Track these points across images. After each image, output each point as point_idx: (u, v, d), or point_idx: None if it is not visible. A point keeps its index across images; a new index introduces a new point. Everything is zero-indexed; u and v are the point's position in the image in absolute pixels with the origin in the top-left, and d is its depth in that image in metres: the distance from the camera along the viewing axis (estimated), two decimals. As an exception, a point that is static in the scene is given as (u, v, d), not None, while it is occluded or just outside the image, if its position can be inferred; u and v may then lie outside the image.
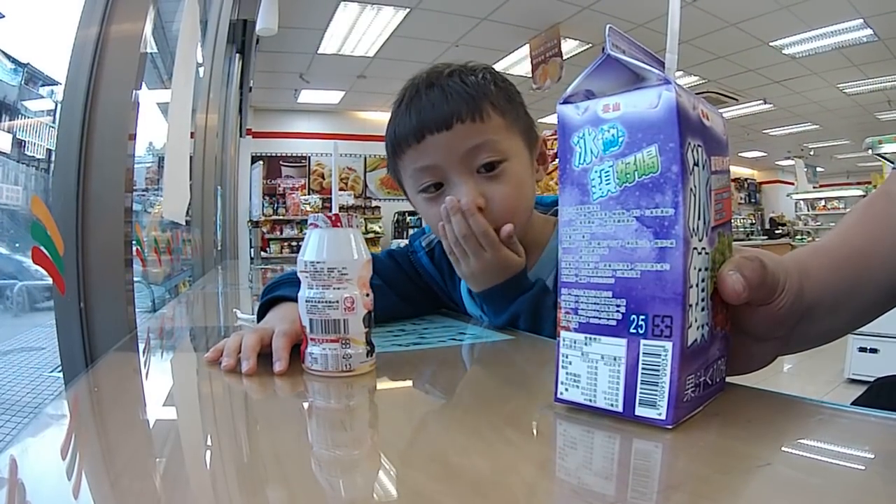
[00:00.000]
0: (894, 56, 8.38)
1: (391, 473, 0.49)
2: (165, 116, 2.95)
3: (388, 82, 10.20)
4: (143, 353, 1.15)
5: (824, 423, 0.60)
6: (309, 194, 11.47)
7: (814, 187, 15.61)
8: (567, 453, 0.53)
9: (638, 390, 0.52)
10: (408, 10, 7.24)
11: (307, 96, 10.93)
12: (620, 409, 0.53)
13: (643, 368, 0.51)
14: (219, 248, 5.09)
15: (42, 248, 1.23)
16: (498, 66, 9.10)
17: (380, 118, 11.91)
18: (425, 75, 1.13)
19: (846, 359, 4.68)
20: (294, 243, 11.08)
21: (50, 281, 1.28)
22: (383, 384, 0.80)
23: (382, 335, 1.08)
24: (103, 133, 1.39)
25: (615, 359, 0.53)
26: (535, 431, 0.60)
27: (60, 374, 1.38)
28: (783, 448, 0.53)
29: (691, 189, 0.50)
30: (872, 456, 0.51)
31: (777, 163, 17.06)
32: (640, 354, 0.51)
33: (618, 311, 0.52)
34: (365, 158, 12.36)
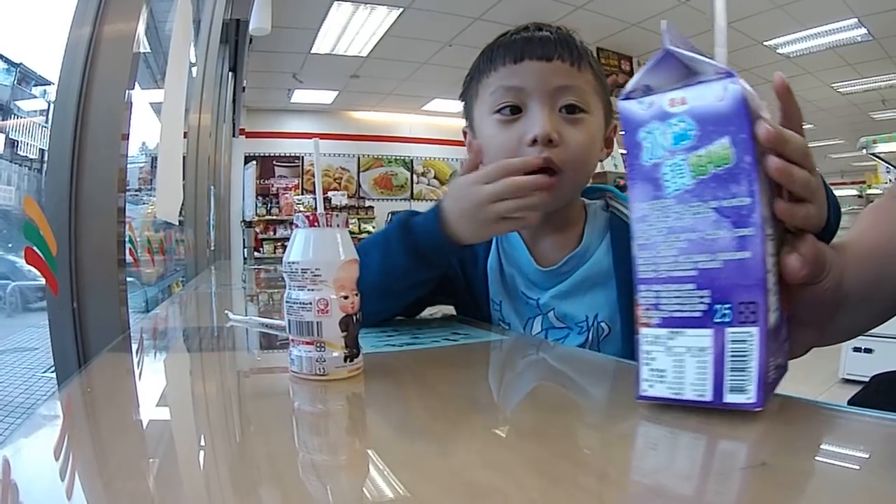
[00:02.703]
0: (888, 55, 8.41)
1: (344, 484, 0.49)
2: (158, 116, 2.94)
3: (382, 82, 10.21)
4: (137, 353, 1.15)
5: (819, 423, 0.60)
6: (302, 194, 11.46)
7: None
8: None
9: (726, 378, 0.52)
10: (401, 9, 7.25)
11: (300, 96, 10.93)
12: (710, 398, 0.53)
13: (731, 356, 0.52)
14: (212, 248, 5.07)
15: (35, 248, 1.22)
16: (492, 66, 9.15)
17: (373, 118, 11.95)
18: (532, 24, 1.18)
19: (841, 359, 4.69)
20: (287, 243, 11.05)
21: (43, 281, 1.28)
22: (360, 390, 0.78)
23: (375, 335, 1.08)
24: (96, 133, 1.39)
25: (702, 349, 0.53)
26: (533, 432, 0.60)
27: (53, 375, 1.38)
28: (778, 448, 0.53)
29: (761, 178, 0.52)
30: (868, 456, 0.51)
31: (771, 162, 17.07)
32: (727, 342, 0.52)
33: (702, 303, 0.53)
34: (358, 158, 12.36)
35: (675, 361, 0.54)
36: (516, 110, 1.09)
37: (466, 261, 1.23)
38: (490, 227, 0.96)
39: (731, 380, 0.52)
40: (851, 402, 0.84)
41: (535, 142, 1.04)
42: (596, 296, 1.14)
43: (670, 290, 0.54)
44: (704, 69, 0.54)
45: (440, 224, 0.98)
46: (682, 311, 0.54)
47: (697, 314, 0.53)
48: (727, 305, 0.52)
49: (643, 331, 0.56)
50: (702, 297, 0.53)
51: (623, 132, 0.58)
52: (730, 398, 0.52)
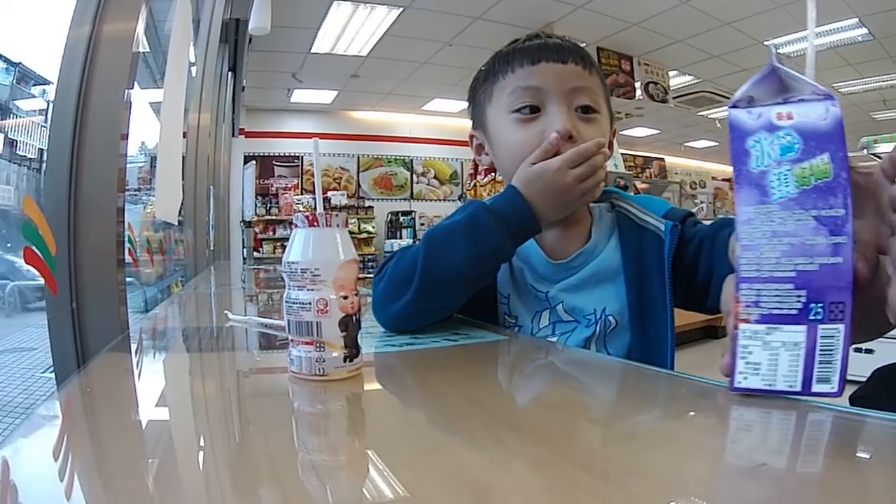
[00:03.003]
0: (889, 55, 8.41)
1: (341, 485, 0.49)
2: (158, 116, 2.94)
3: (382, 82, 10.20)
4: (136, 353, 1.15)
5: (824, 423, 0.60)
6: (302, 194, 11.45)
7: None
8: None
9: (815, 369, 0.57)
10: (401, 9, 7.24)
11: (300, 96, 10.91)
12: (799, 388, 0.58)
13: (821, 350, 0.57)
14: (211, 248, 5.07)
15: (34, 248, 1.22)
16: (491, 66, 9.15)
17: (373, 118, 11.94)
18: (542, 32, 1.26)
19: (840, 359, 4.68)
20: (287, 243, 11.04)
21: (42, 281, 1.28)
22: (359, 390, 0.79)
23: (376, 336, 1.08)
24: (95, 133, 1.39)
25: (796, 344, 0.58)
26: (533, 432, 0.60)
27: (52, 375, 1.38)
28: (779, 448, 0.53)
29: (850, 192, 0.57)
30: (869, 456, 0.51)
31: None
32: (818, 338, 0.57)
33: (799, 301, 0.58)
34: (358, 158, 12.34)
35: (770, 355, 0.59)
36: (535, 109, 1.14)
37: None
38: (574, 204, 1.09)
39: (820, 371, 0.58)
40: (853, 398, 0.84)
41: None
42: (604, 290, 1.17)
43: (770, 289, 0.59)
44: (804, 88, 0.60)
45: (526, 205, 1.06)
46: (780, 308, 0.59)
47: (794, 312, 0.58)
48: (820, 304, 0.57)
49: (742, 326, 0.60)
50: (799, 296, 0.58)
51: (730, 139, 0.62)
52: (816, 388, 0.58)
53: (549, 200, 1.06)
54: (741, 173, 0.60)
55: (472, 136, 1.31)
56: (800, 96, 0.60)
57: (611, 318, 1.15)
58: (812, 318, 0.57)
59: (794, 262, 0.58)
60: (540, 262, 1.20)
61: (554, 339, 1.15)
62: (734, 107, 0.63)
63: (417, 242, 1.12)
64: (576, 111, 1.14)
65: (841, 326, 0.57)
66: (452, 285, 1.05)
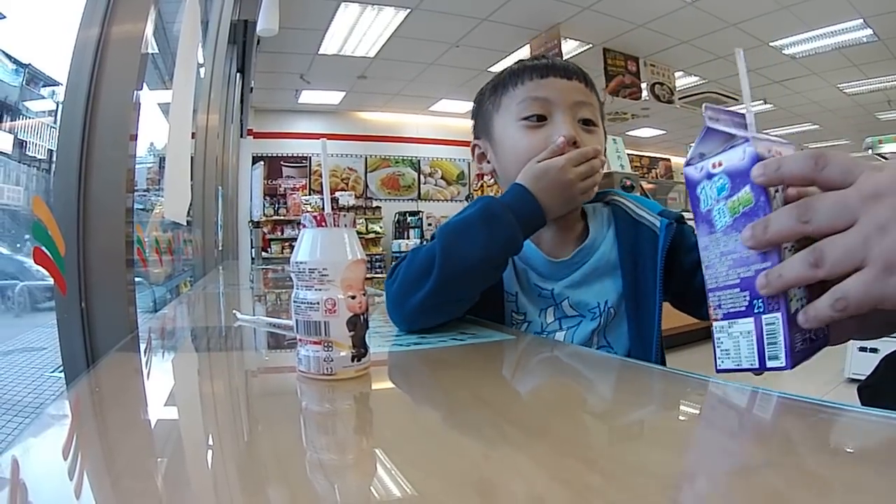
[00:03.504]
0: (894, 56, 8.38)
1: (348, 485, 0.49)
2: (166, 117, 2.95)
3: (389, 83, 10.21)
4: (145, 353, 1.15)
5: (824, 422, 0.60)
6: (310, 194, 11.47)
7: (814, 187, 15.58)
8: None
9: (766, 350, 0.69)
10: (408, 10, 7.25)
11: (308, 97, 10.93)
12: (757, 365, 0.70)
13: (767, 334, 0.69)
14: (220, 248, 5.08)
15: (43, 248, 1.23)
16: (498, 67, 9.08)
17: (380, 118, 11.95)
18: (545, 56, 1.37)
19: (846, 358, 4.68)
20: (295, 243, 11.04)
21: (51, 281, 1.28)
22: (367, 389, 0.79)
23: (384, 335, 1.08)
24: (104, 134, 1.39)
25: (749, 332, 0.71)
26: (540, 430, 0.60)
27: (62, 375, 1.38)
28: (782, 448, 0.53)
29: (775, 209, 0.68)
30: (873, 455, 0.51)
31: (778, 163, 17.04)
32: (763, 325, 0.69)
33: (745, 300, 0.71)
34: (366, 159, 12.36)
35: (734, 342, 0.72)
36: (542, 118, 1.22)
37: None
38: (574, 200, 1.18)
39: (769, 351, 0.69)
40: (862, 387, 0.84)
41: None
42: (604, 284, 1.24)
43: (726, 294, 0.73)
44: (735, 136, 0.72)
45: (534, 199, 1.13)
46: (734, 307, 0.72)
47: (743, 308, 0.71)
48: (760, 300, 0.69)
49: (714, 324, 0.74)
50: (744, 296, 0.71)
51: (687, 190, 0.76)
52: (769, 364, 0.69)
53: (553, 195, 1.14)
54: (696, 214, 0.75)
55: (474, 146, 1.40)
56: (731, 143, 0.71)
57: (611, 309, 1.22)
58: (756, 311, 0.70)
59: (737, 272, 0.71)
60: (541, 262, 1.26)
61: (561, 333, 1.21)
62: (687, 164, 0.76)
63: (426, 242, 1.16)
64: (578, 122, 1.23)
65: (778, 314, 0.68)
66: (471, 276, 1.08)
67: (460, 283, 1.08)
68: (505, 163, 1.28)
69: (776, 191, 0.69)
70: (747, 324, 0.71)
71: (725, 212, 0.71)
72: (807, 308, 0.66)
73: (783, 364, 0.68)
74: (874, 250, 0.59)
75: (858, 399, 0.79)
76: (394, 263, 1.22)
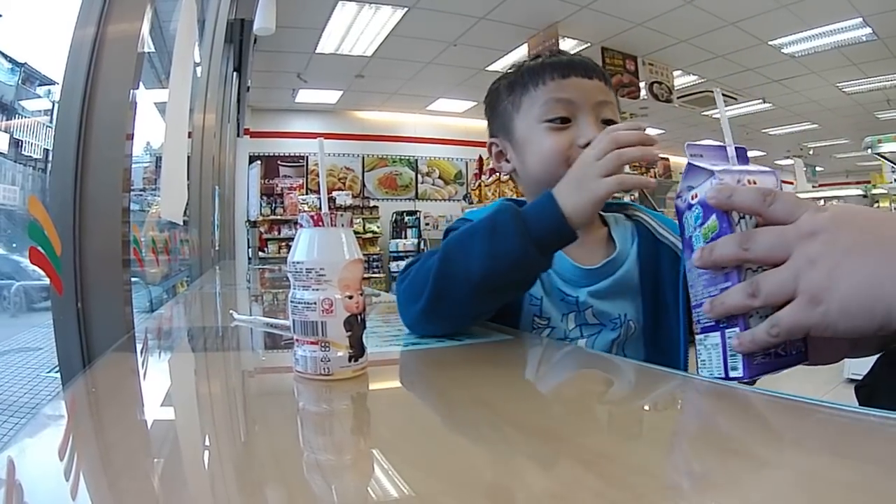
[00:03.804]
0: (893, 55, 8.40)
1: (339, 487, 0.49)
2: (163, 116, 2.95)
3: (386, 82, 10.21)
4: (141, 353, 1.15)
5: (824, 422, 0.60)
6: (307, 194, 11.46)
7: (813, 187, 15.61)
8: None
9: (728, 361, 0.75)
10: (406, 9, 7.24)
11: (305, 96, 10.93)
12: (723, 374, 0.76)
13: (728, 347, 0.75)
14: (216, 248, 5.08)
15: (39, 248, 1.22)
16: (496, 66, 9.15)
17: (378, 118, 11.94)
18: (561, 51, 1.33)
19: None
20: (292, 243, 11.03)
21: (47, 281, 1.28)
22: (364, 389, 0.78)
23: (381, 335, 1.08)
24: (101, 133, 1.39)
25: (716, 345, 0.77)
26: (539, 431, 0.60)
27: (58, 375, 1.38)
28: (782, 447, 0.53)
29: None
30: (872, 456, 0.51)
31: (776, 162, 17.03)
32: (725, 339, 0.76)
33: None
34: (363, 158, 12.36)
35: (707, 353, 0.79)
36: (565, 120, 1.19)
37: None
38: (594, 191, 0.95)
39: (730, 362, 0.75)
40: (859, 386, 0.84)
41: (588, 145, 1.09)
42: (626, 297, 1.22)
43: (700, 310, 0.79)
44: (708, 171, 0.79)
45: (554, 203, 0.97)
46: (707, 322, 0.78)
47: (712, 323, 0.78)
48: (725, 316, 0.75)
49: (696, 336, 0.81)
50: None
51: (677, 218, 0.84)
52: (731, 374, 0.75)
53: (573, 188, 0.96)
54: (682, 240, 0.83)
55: (491, 144, 1.36)
56: (707, 177, 0.79)
57: (631, 322, 1.20)
58: (721, 326, 0.76)
59: (708, 291, 0.78)
60: (568, 267, 1.22)
61: (582, 340, 1.19)
62: (676, 197, 0.84)
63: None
64: (601, 123, 1.19)
65: (737, 329, 0.74)
66: (466, 292, 0.98)
67: (454, 299, 1.00)
68: (528, 164, 1.25)
69: (740, 218, 0.76)
70: (715, 337, 0.78)
71: (700, 238, 0.79)
72: (748, 332, 0.72)
73: (741, 374, 0.74)
74: (803, 283, 0.66)
75: (856, 399, 0.78)
76: (409, 260, 1.20)
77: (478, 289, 0.98)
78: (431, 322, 1.07)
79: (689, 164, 0.82)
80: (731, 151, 0.84)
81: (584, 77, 1.21)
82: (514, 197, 1.36)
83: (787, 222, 0.70)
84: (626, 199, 1.38)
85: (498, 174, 6.76)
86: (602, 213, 1.32)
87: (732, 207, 0.74)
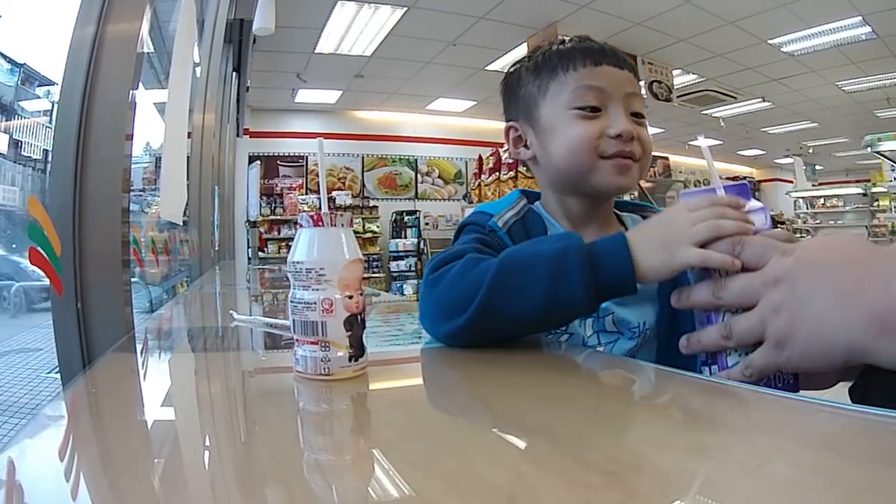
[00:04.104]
0: (893, 54, 8.39)
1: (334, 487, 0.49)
2: (162, 116, 2.95)
3: (386, 81, 10.20)
4: (141, 353, 1.15)
5: (824, 422, 0.60)
6: (307, 194, 11.45)
7: (813, 185, 15.66)
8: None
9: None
10: (405, 9, 7.24)
11: (304, 96, 10.92)
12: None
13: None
14: (216, 248, 5.08)
15: (39, 248, 1.22)
16: (495, 66, 9.15)
17: (377, 117, 11.94)
18: (585, 37, 1.25)
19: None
20: (292, 243, 11.01)
21: (47, 282, 1.28)
22: (365, 389, 0.78)
23: (381, 335, 1.08)
24: (100, 133, 1.39)
25: (708, 375, 0.84)
26: (539, 431, 0.60)
27: (58, 375, 1.38)
28: (782, 447, 0.53)
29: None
30: (872, 456, 0.51)
31: (776, 161, 17.07)
32: (710, 372, 0.83)
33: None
34: (363, 158, 12.35)
35: None
36: (596, 109, 1.16)
37: None
38: (673, 250, 0.86)
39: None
40: (852, 388, 0.84)
41: (618, 136, 1.14)
42: (645, 306, 1.17)
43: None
44: None
45: (629, 256, 0.88)
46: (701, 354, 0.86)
47: (703, 357, 0.85)
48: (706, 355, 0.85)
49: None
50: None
51: None
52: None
53: (657, 246, 0.87)
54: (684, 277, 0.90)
55: (509, 128, 1.31)
56: None
57: (648, 331, 1.16)
58: (702, 361, 0.85)
59: (700, 325, 0.86)
60: None
61: (600, 348, 1.13)
62: None
63: (490, 258, 0.97)
64: (630, 116, 1.17)
65: (716, 366, 0.83)
66: (513, 325, 0.95)
67: (498, 329, 0.94)
68: (552, 151, 1.20)
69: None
70: (705, 368, 0.85)
71: (693, 275, 0.86)
72: (725, 372, 0.81)
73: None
74: (769, 329, 0.74)
75: (850, 399, 0.78)
76: (442, 254, 1.05)
77: (524, 325, 0.96)
78: (463, 340, 0.97)
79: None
80: (721, 194, 0.88)
81: (615, 66, 1.19)
82: (527, 189, 1.33)
83: (756, 267, 0.77)
84: (626, 197, 1.32)
85: (498, 174, 6.75)
86: (618, 212, 1.31)
87: (708, 265, 0.82)
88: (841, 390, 0.80)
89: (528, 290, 0.89)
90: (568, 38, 1.26)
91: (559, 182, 1.23)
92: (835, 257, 0.74)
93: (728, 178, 16.10)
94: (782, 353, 0.72)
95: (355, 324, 0.77)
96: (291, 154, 11.84)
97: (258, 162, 10.84)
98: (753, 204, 0.87)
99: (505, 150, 6.16)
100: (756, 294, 0.76)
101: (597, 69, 1.18)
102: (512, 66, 1.32)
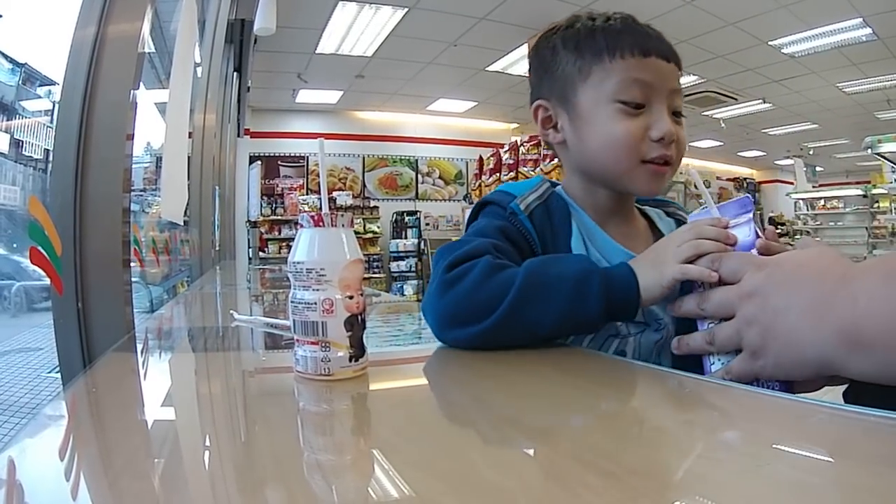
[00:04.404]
0: (893, 55, 8.39)
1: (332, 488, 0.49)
2: (163, 116, 2.95)
3: (387, 82, 10.20)
4: (142, 353, 1.15)
5: (824, 423, 0.60)
6: (307, 194, 11.45)
7: (813, 187, 15.65)
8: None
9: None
10: (406, 9, 7.24)
11: (305, 96, 10.92)
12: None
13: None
14: (217, 248, 5.08)
15: (40, 248, 1.22)
16: (496, 66, 9.15)
17: (378, 118, 11.94)
18: (628, 15, 1.17)
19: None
20: (292, 243, 11.00)
21: (48, 281, 1.28)
22: (365, 390, 0.78)
23: (381, 335, 1.08)
24: (101, 133, 1.39)
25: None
26: (539, 432, 0.60)
27: (58, 375, 1.38)
28: (782, 448, 0.53)
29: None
30: (872, 456, 0.51)
31: (776, 162, 17.07)
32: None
33: None
34: (363, 158, 12.35)
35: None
36: (640, 105, 1.10)
37: (548, 246, 1.15)
38: (663, 271, 0.93)
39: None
40: (846, 392, 0.84)
41: (660, 139, 1.08)
42: (670, 298, 1.05)
43: None
44: None
45: (635, 279, 0.94)
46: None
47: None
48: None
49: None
50: None
51: None
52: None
53: (650, 265, 0.95)
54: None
55: (539, 107, 1.22)
56: None
57: (669, 326, 1.12)
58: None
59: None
60: (620, 255, 1.13)
61: (631, 338, 1.11)
62: None
63: (511, 267, 0.97)
64: (672, 115, 1.12)
65: (701, 370, 0.88)
66: (528, 336, 0.95)
67: (513, 338, 0.95)
68: (588, 141, 1.14)
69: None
70: (698, 369, 0.89)
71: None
72: (708, 375, 0.86)
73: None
74: (744, 340, 0.78)
75: (843, 401, 0.78)
76: (457, 248, 1.01)
77: (536, 337, 0.96)
78: (471, 345, 0.96)
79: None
80: (714, 212, 0.97)
81: (662, 59, 1.11)
82: (554, 180, 1.25)
83: (734, 281, 0.82)
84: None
85: (499, 175, 6.75)
86: (640, 206, 1.28)
87: (689, 277, 0.89)
88: (838, 391, 0.80)
89: (548, 311, 0.92)
90: (611, 15, 1.17)
91: (589, 173, 1.18)
92: (805, 272, 0.78)
93: (730, 179, 16.19)
94: (757, 362, 0.77)
95: (356, 324, 0.77)
96: (292, 154, 11.84)
97: (259, 162, 10.84)
98: (739, 219, 0.94)
99: (506, 151, 6.18)
100: (733, 306, 0.81)
101: (645, 60, 1.10)
102: (546, 34, 1.23)
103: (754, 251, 0.90)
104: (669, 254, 0.93)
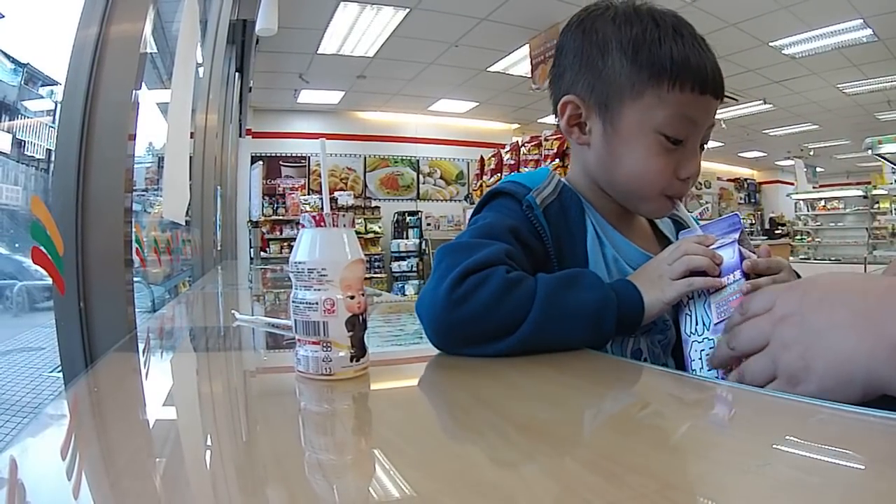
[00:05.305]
0: (894, 56, 8.38)
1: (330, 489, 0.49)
2: (165, 116, 2.95)
3: (388, 82, 10.20)
4: (143, 353, 1.15)
5: (824, 423, 0.60)
6: (309, 194, 11.45)
7: (813, 187, 15.61)
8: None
9: None
10: (407, 10, 7.24)
11: (307, 96, 10.91)
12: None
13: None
14: (218, 248, 5.08)
15: (42, 248, 1.23)
16: (497, 67, 9.15)
17: (379, 118, 11.93)
18: (696, 34, 1.11)
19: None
20: (294, 243, 11.00)
21: (50, 281, 1.28)
22: (366, 389, 0.79)
23: (382, 335, 1.08)
24: (103, 133, 1.39)
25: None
26: (540, 432, 0.60)
27: (60, 375, 1.38)
28: (783, 448, 0.53)
29: (686, 312, 0.99)
30: (872, 456, 0.51)
31: (777, 163, 17.05)
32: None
33: None
34: (365, 158, 12.34)
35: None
36: (679, 141, 1.07)
37: (563, 243, 1.13)
38: (663, 286, 0.99)
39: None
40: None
41: (686, 179, 1.10)
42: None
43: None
44: None
45: (641, 299, 0.99)
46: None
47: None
48: None
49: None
50: None
51: None
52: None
53: (651, 284, 1.00)
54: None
55: (568, 103, 1.14)
56: None
57: (672, 329, 1.11)
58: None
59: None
60: (635, 254, 1.15)
61: (642, 337, 1.11)
62: None
63: (526, 279, 0.96)
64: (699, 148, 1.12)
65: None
66: (545, 349, 0.95)
67: (530, 350, 0.93)
68: (617, 160, 1.10)
69: (690, 298, 0.98)
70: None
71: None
72: None
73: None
74: (780, 366, 0.72)
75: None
76: (467, 256, 0.95)
77: (553, 348, 0.96)
78: (489, 354, 0.93)
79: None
80: (699, 232, 1.04)
81: (713, 97, 1.07)
82: (562, 178, 1.21)
83: (767, 311, 0.78)
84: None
85: (500, 176, 6.74)
86: None
87: (694, 288, 0.96)
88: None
89: (569, 338, 0.96)
90: (676, 24, 1.10)
91: (605, 184, 1.16)
92: (844, 289, 0.74)
93: (731, 180, 16.18)
94: (796, 388, 0.70)
95: (357, 324, 0.77)
96: (294, 154, 11.84)
97: (260, 162, 10.83)
98: (725, 240, 0.99)
99: (507, 151, 6.16)
100: (766, 336, 0.76)
101: (700, 98, 1.05)
102: (591, 15, 1.14)
103: (738, 272, 0.92)
104: (664, 272, 0.99)
